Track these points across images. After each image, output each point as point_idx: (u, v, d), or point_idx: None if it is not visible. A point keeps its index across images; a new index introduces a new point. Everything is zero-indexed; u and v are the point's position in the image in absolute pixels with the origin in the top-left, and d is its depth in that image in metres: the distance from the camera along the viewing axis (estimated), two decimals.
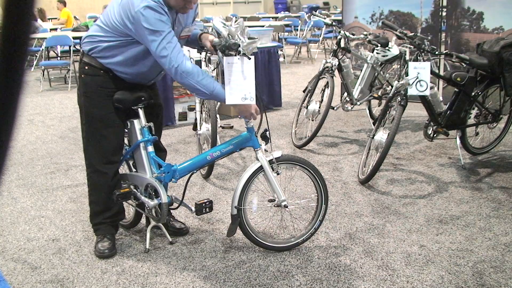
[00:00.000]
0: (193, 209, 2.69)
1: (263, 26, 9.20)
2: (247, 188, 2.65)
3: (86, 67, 2.62)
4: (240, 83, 2.46)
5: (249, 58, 2.45)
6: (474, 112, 4.12)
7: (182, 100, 5.63)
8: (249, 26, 8.17)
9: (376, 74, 4.88)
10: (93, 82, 2.62)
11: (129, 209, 3.08)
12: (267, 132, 2.63)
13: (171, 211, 3.00)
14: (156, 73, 2.71)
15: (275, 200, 2.69)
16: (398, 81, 3.74)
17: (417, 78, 3.60)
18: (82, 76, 2.66)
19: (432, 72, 3.76)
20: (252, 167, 2.64)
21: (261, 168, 2.62)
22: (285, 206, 2.67)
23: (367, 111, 5.26)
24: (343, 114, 5.81)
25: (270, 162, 2.62)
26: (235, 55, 2.45)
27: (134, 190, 2.81)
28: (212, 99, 2.46)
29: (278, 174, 2.66)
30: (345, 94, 4.92)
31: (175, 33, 2.52)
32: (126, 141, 2.85)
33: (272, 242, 2.79)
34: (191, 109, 4.35)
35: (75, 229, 3.13)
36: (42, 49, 8.77)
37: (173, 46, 2.38)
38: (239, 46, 2.42)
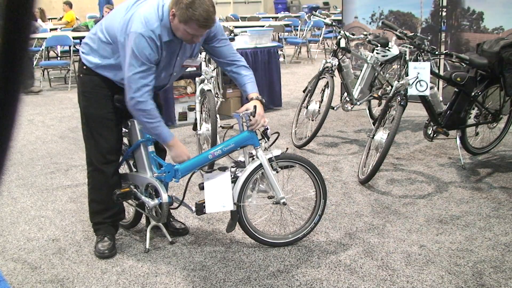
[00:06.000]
0: (193, 209, 2.69)
1: (263, 26, 9.19)
2: (246, 185, 2.67)
3: (84, 67, 2.62)
4: (218, 195, 2.61)
5: (224, 171, 2.62)
6: (474, 112, 4.12)
7: (182, 100, 5.63)
8: (249, 26, 8.17)
9: (376, 74, 4.88)
10: (91, 82, 2.62)
11: (129, 209, 3.08)
12: (267, 131, 2.65)
13: (171, 211, 3.00)
14: (161, 86, 2.72)
15: (274, 197, 2.71)
16: (398, 81, 3.73)
17: (417, 78, 3.60)
18: (81, 75, 2.67)
19: (432, 72, 3.76)
20: (251, 165, 2.66)
21: (260, 166, 2.64)
22: (284, 203, 2.71)
23: (367, 111, 5.26)
24: (343, 114, 5.80)
25: (270, 160, 2.64)
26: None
27: (135, 190, 2.81)
28: (154, 137, 2.64)
29: (277, 172, 2.68)
30: (345, 94, 4.92)
31: (178, 61, 2.57)
32: (126, 141, 2.85)
33: (272, 238, 2.83)
34: (191, 109, 4.35)
35: (75, 229, 3.13)
36: (42, 49, 8.76)
37: (145, 82, 2.40)
38: None
